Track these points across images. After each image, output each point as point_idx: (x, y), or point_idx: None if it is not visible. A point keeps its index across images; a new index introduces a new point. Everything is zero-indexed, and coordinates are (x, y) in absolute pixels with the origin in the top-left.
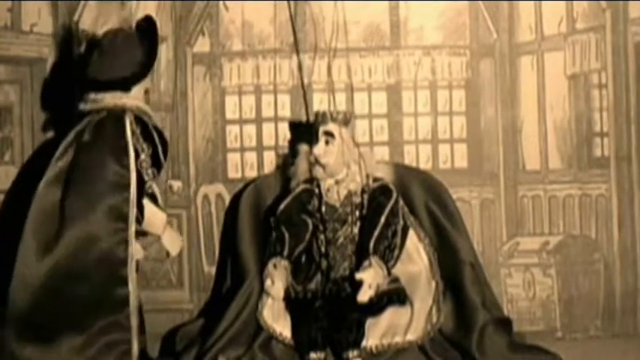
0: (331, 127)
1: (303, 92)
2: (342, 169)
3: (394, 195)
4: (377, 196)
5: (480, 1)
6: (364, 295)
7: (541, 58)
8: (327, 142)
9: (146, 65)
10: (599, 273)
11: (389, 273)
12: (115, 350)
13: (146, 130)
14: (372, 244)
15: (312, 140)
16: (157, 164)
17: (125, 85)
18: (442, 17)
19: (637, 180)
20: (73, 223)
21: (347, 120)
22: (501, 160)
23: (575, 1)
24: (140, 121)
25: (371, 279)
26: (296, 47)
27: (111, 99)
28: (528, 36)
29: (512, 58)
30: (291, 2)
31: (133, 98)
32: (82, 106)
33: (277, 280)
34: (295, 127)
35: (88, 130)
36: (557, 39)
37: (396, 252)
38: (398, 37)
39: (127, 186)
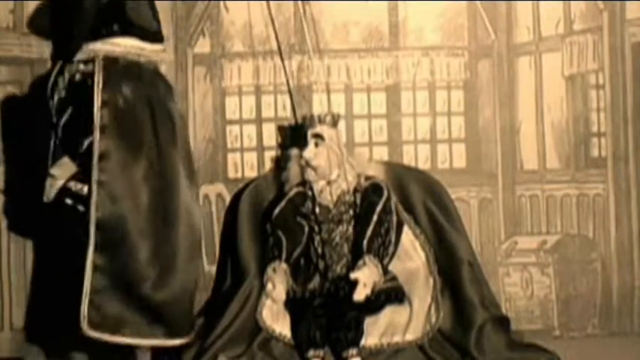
0: (320, 129)
1: (289, 94)
2: (334, 170)
3: (385, 192)
4: (369, 194)
5: (478, 3)
6: (360, 295)
7: (539, 59)
8: (316, 145)
9: None
10: (597, 272)
11: (385, 270)
12: None
13: None
14: (365, 243)
15: (302, 143)
16: None
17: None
18: (441, 18)
19: (634, 180)
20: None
21: (335, 121)
22: (499, 160)
23: (572, 2)
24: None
25: (365, 278)
26: (278, 48)
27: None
28: (526, 37)
29: (510, 59)
30: (271, 2)
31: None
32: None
33: (278, 283)
34: (284, 130)
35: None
36: (555, 40)
37: (391, 249)
38: (397, 38)
39: None
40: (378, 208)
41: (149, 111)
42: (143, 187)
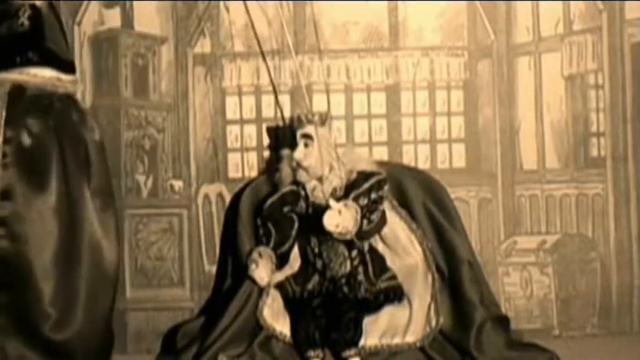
0: (308, 129)
1: (275, 95)
2: (325, 169)
3: (375, 176)
4: (359, 181)
5: (478, 3)
6: (329, 219)
7: (538, 59)
8: (306, 145)
9: None
10: (596, 271)
11: (366, 231)
12: None
13: None
14: (351, 197)
15: (291, 144)
16: None
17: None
18: (440, 18)
19: (633, 179)
20: None
21: (323, 120)
22: (499, 160)
23: (572, 2)
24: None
25: (340, 206)
26: (260, 49)
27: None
28: (526, 37)
29: (509, 59)
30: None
31: None
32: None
33: (261, 265)
34: (272, 131)
35: None
36: (554, 40)
37: (375, 218)
38: (397, 38)
39: None
40: (372, 180)
41: (57, 142)
42: (49, 223)
